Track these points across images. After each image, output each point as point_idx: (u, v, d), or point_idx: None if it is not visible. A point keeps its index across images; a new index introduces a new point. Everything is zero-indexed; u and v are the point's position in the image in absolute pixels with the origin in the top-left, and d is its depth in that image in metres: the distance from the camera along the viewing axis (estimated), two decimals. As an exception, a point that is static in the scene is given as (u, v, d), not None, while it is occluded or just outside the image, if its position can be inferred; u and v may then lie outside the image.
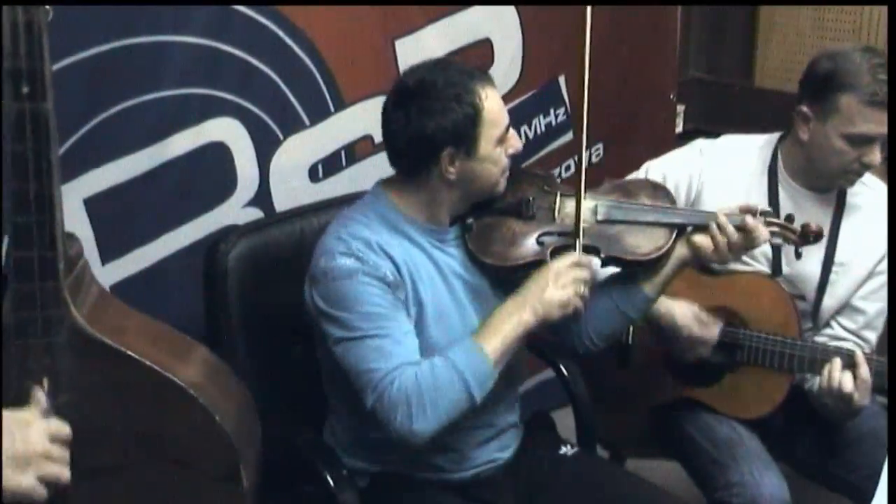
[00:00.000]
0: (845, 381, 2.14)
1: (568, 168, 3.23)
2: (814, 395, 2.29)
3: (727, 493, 2.22)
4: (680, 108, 3.61)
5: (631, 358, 2.44)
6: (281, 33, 2.47)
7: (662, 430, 2.46)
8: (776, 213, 2.28)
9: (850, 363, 2.17)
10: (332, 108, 2.62)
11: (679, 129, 3.61)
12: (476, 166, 1.96)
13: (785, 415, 2.36)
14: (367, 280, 1.91)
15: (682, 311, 2.30)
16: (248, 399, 1.87)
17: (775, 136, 2.43)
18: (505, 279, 2.04)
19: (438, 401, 1.86)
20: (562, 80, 3.15)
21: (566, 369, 2.42)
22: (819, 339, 2.38)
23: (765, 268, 2.38)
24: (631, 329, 2.39)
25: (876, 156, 2.22)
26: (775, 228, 2.11)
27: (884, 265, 2.36)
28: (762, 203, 2.31)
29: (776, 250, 2.35)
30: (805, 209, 2.32)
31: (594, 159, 3.30)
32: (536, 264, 2.00)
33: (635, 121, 3.36)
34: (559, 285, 1.94)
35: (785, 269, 2.36)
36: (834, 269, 2.34)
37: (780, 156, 2.39)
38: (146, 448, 1.68)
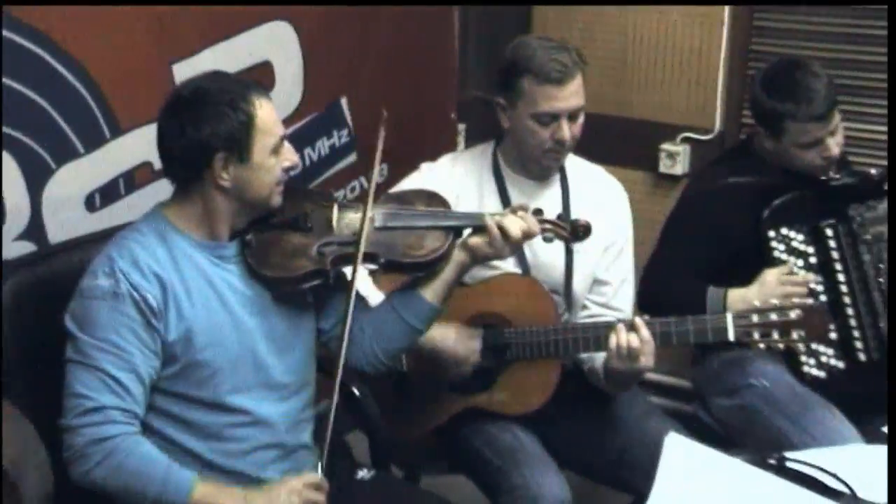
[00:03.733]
0: (632, 340, 2.26)
1: (353, 189, 3.24)
2: (595, 372, 2.41)
3: (510, 498, 2.31)
4: (461, 127, 3.69)
5: (409, 383, 2.49)
6: (49, 58, 2.38)
7: (449, 447, 2.52)
8: (508, 204, 2.43)
9: (632, 326, 2.29)
10: (108, 135, 2.54)
11: (461, 147, 3.69)
12: (250, 174, 1.98)
13: (563, 420, 2.47)
14: (116, 305, 1.91)
15: (441, 334, 2.37)
16: (27, 430, 1.84)
17: (492, 140, 2.58)
18: (288, 292, 2.06)
19: (125, 475, 1.90)
20: (344, 101, 3.17)
21: (358, 391, 2.43)
22: (579, 321, 2.51)
23: (513, 267, 2.48)
24: (404, 358, 2.44)
25: (565, 131, 2.39)
26: (548, 226, 2.21)
27: (615, 236, 2.55)
28: (495, 203, 2.47)
29: (520, 250, 2.44)
30: (535, 199, 2.47)
31: (379, 180, 3.31)
32: (317, 274, 2.03)
33: (419, 141, 3.41)
34: (290, 502, 1.96)
35: (532, 262, 2.47)
36: (574, 250, 2.48)
37: (499, 155, 2.54)
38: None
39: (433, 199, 2.22)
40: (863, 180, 2.65)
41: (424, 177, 2.55)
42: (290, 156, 2.05)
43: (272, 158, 2.00)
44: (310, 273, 2.04)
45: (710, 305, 2.58)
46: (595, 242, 2.51)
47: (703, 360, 2.78)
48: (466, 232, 2.17)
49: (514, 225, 2.13)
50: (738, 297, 2.57)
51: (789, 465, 1.92)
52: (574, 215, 2.46)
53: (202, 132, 1.93)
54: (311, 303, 2.17)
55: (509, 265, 2.48)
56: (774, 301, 2.26)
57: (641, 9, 3.52)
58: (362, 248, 2.05)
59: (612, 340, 2.28)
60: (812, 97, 2.53)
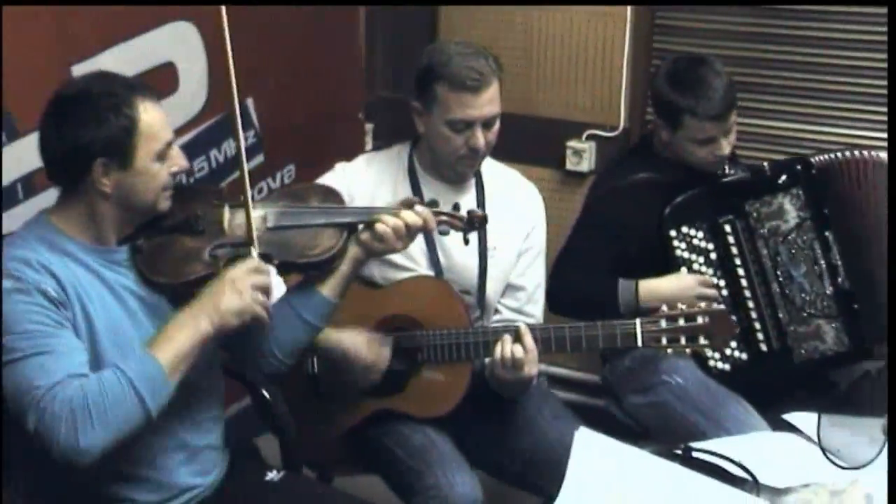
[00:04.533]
0: (516, 350, 2.28)
1: (261, 190, 3.21)
2: (492, 377, 2.41)
3: (423, 498, 2.32)
4: (368, 127, 3.68)
5: (320, 386, 2.48)
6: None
7: (361, 447, 2.51)
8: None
9: (517, 337, 2.31)
10: (5, 139, 2.47)
11: (369, 147, 3.68)
12: (132, 180, 1.94)
13: (474, 422, 2.47)
14: (24, 299, 1.84)
15: (352, 343, 2.36)
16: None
17: (408, 142, 2.58)
18: (182, 296, 2.01)
19: (108, 412, 1.80)
20: (250, 102, 3.13)
21: (268, 393, 2.41)
22: (490, 325, 2.53)
23: (426, 269, 2.48)
24: (315, 359, 2.42)
25: (479, 139, 2.40)
26: (443, 218, 2.22)
27: (530, 241, 2.56)
28: None
29: (433, 252, 2.47)
30: (449, 201, 2.46)
31: (286, 181, 3.30)
32: (209, 278, 1.99)
33: (326, 142, 3.39)
34: (235, 291, 1.93)
35: (445, 264, 2.48)
36: (489, 254, 2.49)
37: (415, 157, 2.54)
38: None
39: (328, 195, 2.21)
40: (757, 176, 2.70)
41: (339, 177, 2.53)
42: (178, 161, 2.01)
43: (157, 164, 1.95)
44: (202, 277, 2.00)
45: (623, 297, 2.63)
46: (510, 247, 2.53)
47: (614, 357, 2.82)
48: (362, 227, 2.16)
49: (407, 218, 2.12)
50: (650, 288, 2.61)
51: (695, 455, 1.96)
52: (489, 220, 2.46)
53: (81, 137, 1.88)
54: None
55: (422, 268, 2.48)
56: (682, 306, 2.30)
57: (546, 8, 3.56)
58: (256, 251, 2.02)
59: (497, 350, 2.30)
60: (712, 96, 2.58)
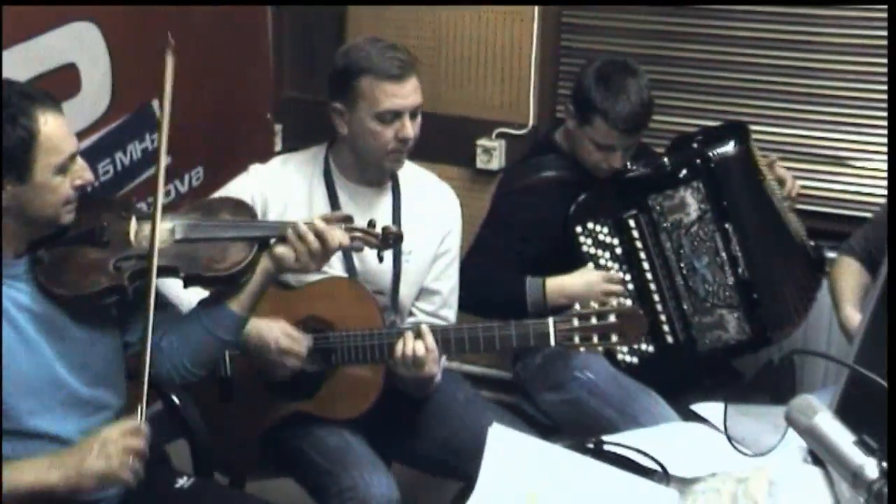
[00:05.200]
0: (417, 348, 2.29)
1: (169, 193, 3.16)
2: (395, 372, 2.41)
3: (339, 500, 2.31)
4: (277, 128, 3.66)
5: (233, 389, 2.45)
6: None
7: (275, 451, 2.49)
8: (338, 210, 2.43)
9: (418, 334, 2.31)
10: None
11: (279, 148, 3.66)
12: (31, 194, 1.88)
13: (388, 413, 2.46)
14: None
15: (268, 329, 2.33)
16: None
17: (324, 145, 2.56)
18: (82, 310, 1.97)
19: None
20: (155, 104, 3.08)
21: (177, 398, 2.38)
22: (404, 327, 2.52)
23: (341, 271, 2.47)
24: (228, 360, 2.40)
25: (408, 128, 2.42)
26: (357, 234, 2.20)
27: (446, 245, 2.57)
28: (325, 209, 2.44)
29: (347, 254, 2.47)
30: (365, 205, 2.48)
31: (195, 183, 3.26)
32: (113, 290, 1.95)
33: (234, 143, 3.36)
34: (104, 454, 1.86)
35: (359, 268, 2.47)
36: (403, 258, 2.49)
37: (331, 160, 2.52)
38: None
39: (239, 207, 2.18)
40: (658, 170, 2.73)
41: (253, 179, 2.50)
42: (82, 174, 1.95)
43: (58, 177, 1.89)
44: (105, 290, 1.96)
45: (531, 295, 2.65)
46: (425, 251, 2.53)
47: (525, 355, 2.84)
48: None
49: (321, 235, 2.10)
50: (557, 285, 2.64)
51: (606, 448, 1.99)
52: (405, 223, 2.47)
53: None
54: (115, 316, 2.10)
55: (336, 269, 2.46)
56: (594, 304, 2.32)
57: (453, 7, 3.58)
58: (155, 264, 1.98)
59: (398, 347, 2.30)
60: (629, 108, 2.62)
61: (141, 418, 1.92)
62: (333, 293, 2.44)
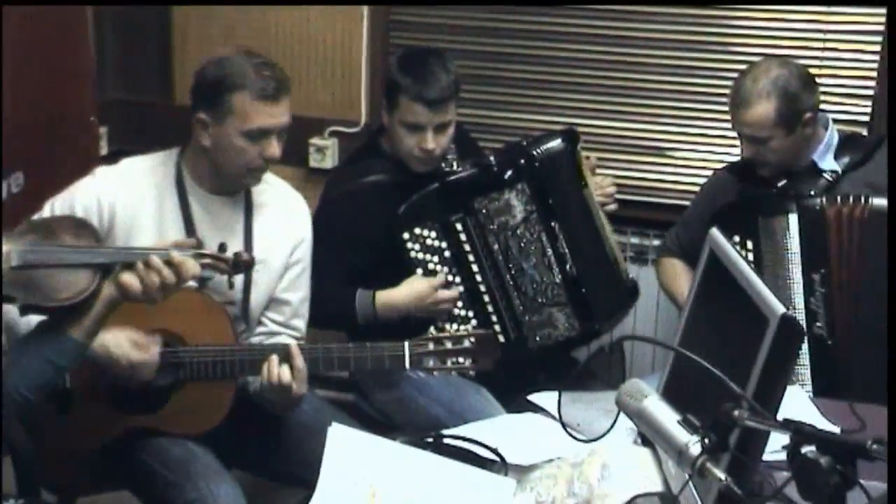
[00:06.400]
0: (283, 373, 2.25)
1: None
2: (258, 394, 2.37)
3: (183, 512, 2.24)
4: (103, 130, 3.55)
5: (72, 402, 2.35)
6: None
7: (114, 464, 2.40)
8: (190, 221, 2.39)
9: (285, 356, 2.27)
10: None
11: (104, 151, 3.55)
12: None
13: (234, 422, 2.42)
14: None
15: (115, 340, 2.24)
16: None
17: (175, 150, 2.49)
18: None
19: None
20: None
21: (-1, 414, 2.27)
22: (255, 339, 2.49)
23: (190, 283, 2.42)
24: (67, 375, 2.31)
25: (275, 148, 2.38)
26: (207, 261, 2.15)
27: (297, 255, 2.53)
28: (176, 217, 2.39)
29: None
30: (216, 213, 2.43)
31: (14, 189, 3.11)
32: None
33: (57, 146, 3.24)
34: None
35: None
36: (255, 268, 2.44)
37: (184, 167, 2.46)
38: None
39: (81, 228, 2.07)
40: (484, 172, 2.75)
41: (99, 183, 2.40)
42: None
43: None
44: None
45: (360, 310, 2.65)
46: (276, 261, 2.48)
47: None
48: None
49: (175, 268, 2.04)
50: (385, 299, 2.65)
51: (446, 441, 2.02)
52: (256, 233, 2.45)
53: None
54: None
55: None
56: (450, 329, 2.33)
57: (281, 8, 3.55)
58: None
59: (264, 372, 2.26)
60: (430, 82, 2.64)
61: None
62: (183, 306, 2.33)
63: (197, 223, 2.41)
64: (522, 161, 2.73)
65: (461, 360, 2.30)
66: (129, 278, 2.02)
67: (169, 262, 2.04)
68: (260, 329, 2.52)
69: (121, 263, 2.03)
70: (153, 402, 2.35)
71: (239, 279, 2.41)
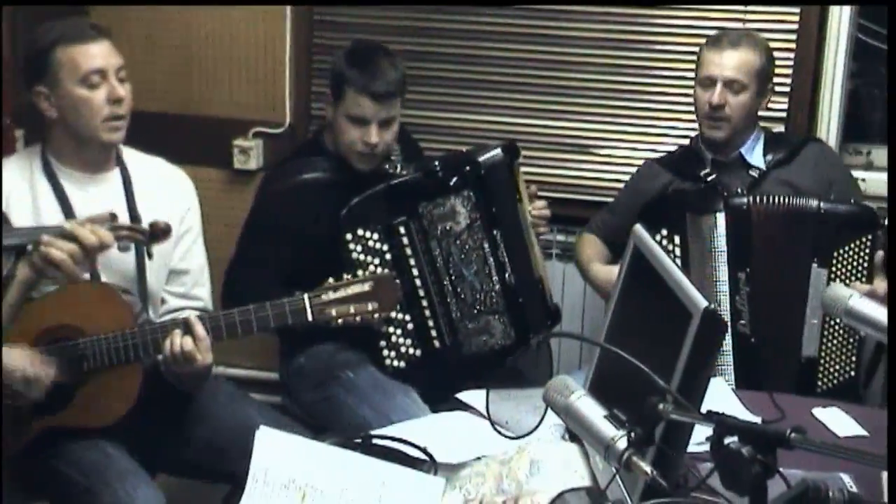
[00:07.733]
0: (186, 343, 2.23)
1: None
2: (168, 372, 2.34)
3: (102, 518, 2.21)
4: (19, 133, 3.47)
5: None
6: None
7: (29, 473, 2.35)
8: (67, 205, 2.37)
9: (187, 329, 2.25)
10: None
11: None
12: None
13: (147, 418, 2.38)
14: None
15: (13, 356, 2.20)
16: None
17: (39, 144, 2.49)
18: None
19: None
20: None
21: None
22: (158, 317, 2.47)
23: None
24: None
25: (118, 89, 2.38)
26: (124, 232, 2.14)
27: (187, 223, 2.55)
28: (52, 202, 2.38)
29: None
30: (94, 193, 2.42)
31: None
32: None
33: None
34: None
35: (99, 264, 2.36)
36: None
37: (49, 153, 2.45)
38: None
39: None
40: (429, 177, 2.74)
41: None
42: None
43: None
44: None
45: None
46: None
47: (289, 355, 2.82)
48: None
49: (84, 239, 2.02)
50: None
51: (375, 442, 2.01)
52: (140, 206, 2.43)
53: None
54: None
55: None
56: (347, 276, 2.33)
57: (203, 8, 3.51)
58: None
59: (167, 345, 2.24)
60: (376, 74, 2.65)
61: None
62: (77, 298, 2.31)
63: (75, 205, 2.40)
64: (468, 168, 2.73)
65: (365, 305, 2.29)
66: (41, 258, 2.02)
67: (81, 235, 2.05)
68: (163, 308, 2.52)
69: (34, 243, 2.02)
70: (60, 399, 2.30)
71: (132, 261, 2.40)
